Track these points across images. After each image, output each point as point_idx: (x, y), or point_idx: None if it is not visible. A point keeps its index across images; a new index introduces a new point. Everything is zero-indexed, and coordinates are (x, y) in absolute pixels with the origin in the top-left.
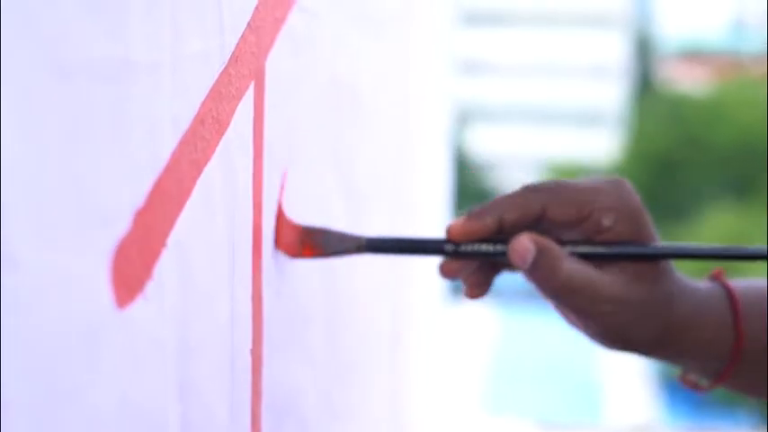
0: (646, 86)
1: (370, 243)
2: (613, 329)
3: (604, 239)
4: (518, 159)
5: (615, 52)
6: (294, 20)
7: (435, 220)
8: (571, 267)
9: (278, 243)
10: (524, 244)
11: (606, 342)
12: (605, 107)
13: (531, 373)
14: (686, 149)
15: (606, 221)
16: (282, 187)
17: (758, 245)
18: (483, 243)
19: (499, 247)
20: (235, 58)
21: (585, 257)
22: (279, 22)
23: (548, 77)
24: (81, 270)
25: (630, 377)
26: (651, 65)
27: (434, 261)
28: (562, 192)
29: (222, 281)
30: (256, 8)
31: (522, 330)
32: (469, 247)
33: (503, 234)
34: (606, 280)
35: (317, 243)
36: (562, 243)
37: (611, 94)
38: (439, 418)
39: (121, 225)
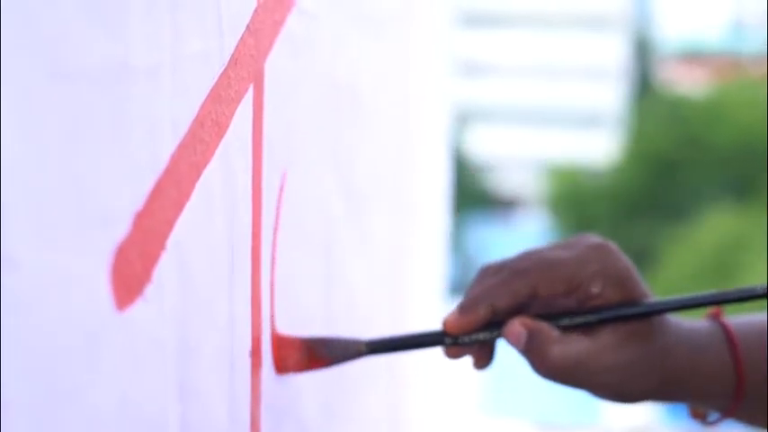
0: (645, 88)
1: (371, 346)
2: (611, 391)
3: (595, 305)
4: (518, 161)
5: (615, 53)
6: (293, 22)
7: (435, 221)
8: (561, 349)
9: (282, 365)
10: (516, 330)
11: (612, 400)
12: (605, 108)
13: (529, 375)
14: (686, 150)
15: (595, 289)
16: (282, 189)
17: (750, 285)
18: (479, 332)
19: (495, 333)
20: (234, 61)
21: (578, 327)
22: (278, 24)
23: (547, 79)
24: (81, 271)
25: None
26: (650, 66)
27: (433, 263)
28: (549, 271)
29: (221, 283)
30: (255, 11)
31: None
32: (467, 338)
33: (496, 319)
34: (597, 350)
35: (320, 354)
36: (552, 317)
37: (610, 96)
38: (438, 419)
39: (121, 227)
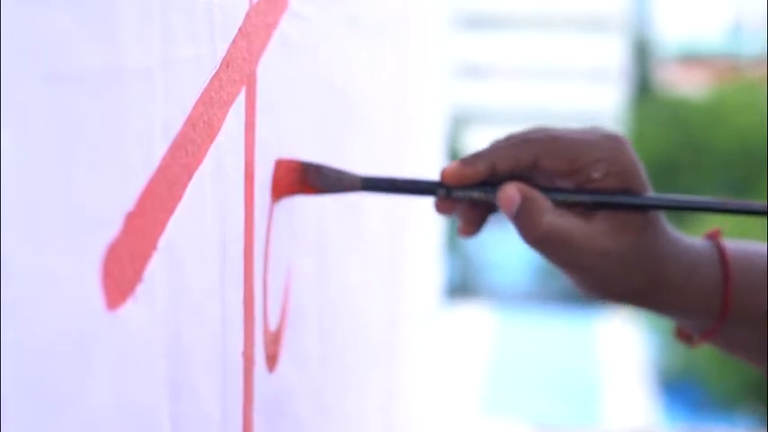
0: (644, 90)
1: (366, 182)
2: (595, 280)
3: (594, 190)
4: None
5: (614, 56)
6: (286, 25)
7: (431, 222)
8: (553, 219)
9: (276, 185)
10: (510, 193)
11: (590, 290)
12: (604, 110)
13: (528, 376)
14: (685, 153)
15: (596, 173)
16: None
17: (756, 201)
18: (474, 189)
19: (489, 194)
20: (226, 64)
21: (571, 205)
22: (270, 27)
23: (547, 81)
24: (72, 272)
25: (629, 380)
26: (650, 68)
27: (429, 264)
28: (555, 144)
29: (213, 284)
30: (247, 14)
31: (520, 332)
32: (461, 193)
33: (494, 180)
34: (588, 232)
35: (314, 181)
36: (550, 190)
37: (609, 98)
38: (435, 419)
39: (112, 228)
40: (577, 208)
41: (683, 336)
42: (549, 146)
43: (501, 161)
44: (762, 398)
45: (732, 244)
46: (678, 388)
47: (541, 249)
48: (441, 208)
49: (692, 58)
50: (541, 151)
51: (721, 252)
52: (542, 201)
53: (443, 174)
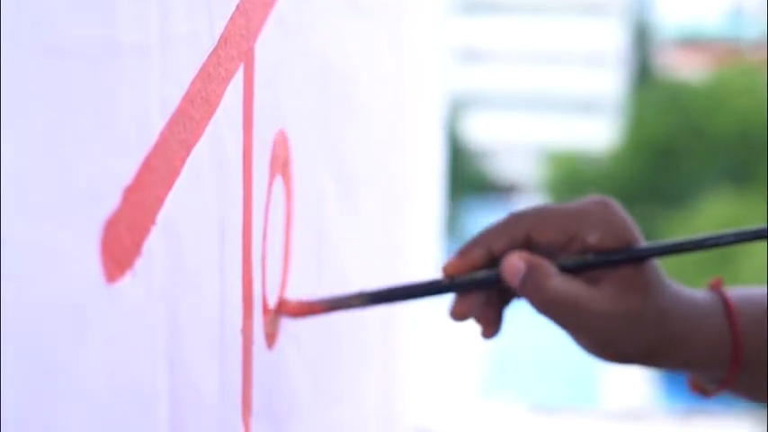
0: (644, 74)
1: (373, 296)
2: (602, 342)
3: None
4: (517, 147)
5: (613, 40)
6: (284, 3)
7: (429, 206)
8: (559, 283)
9: (286, 310)
10: (514, 262)
11: (598, 354)
12: (604, 95)
13: (528, 359)
14: (685, 137)
15: (591, 239)
16: (272, 167)
17: (742, 228)
18: (477, 273)
19: (492, 272)
20: (224, 40)
21: (577, 270)
22: (268, 5)
23: (546, 65)
24: (71, 245)
25: None
26: (649, 52)
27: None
28: (546, 216)
29: (212, 259)
30: None
31: (519, 315)
32: (464, 278)
33: (495, 262)
34: (594, 295)
35: (324, 303)
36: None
37: (609, 82)
38: (435, 402)
39: (111, 202)
40: (582, 276)
41: (697, 388)
42: (541, 219)
43: (495, 243)
44: None
45: (734, 291)
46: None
47: (549, 314)
48: (456, 312)
49: (691, 42)
50: (533, 225)
51: (725, 301)
52: (547, 266)
53: (444, 269)
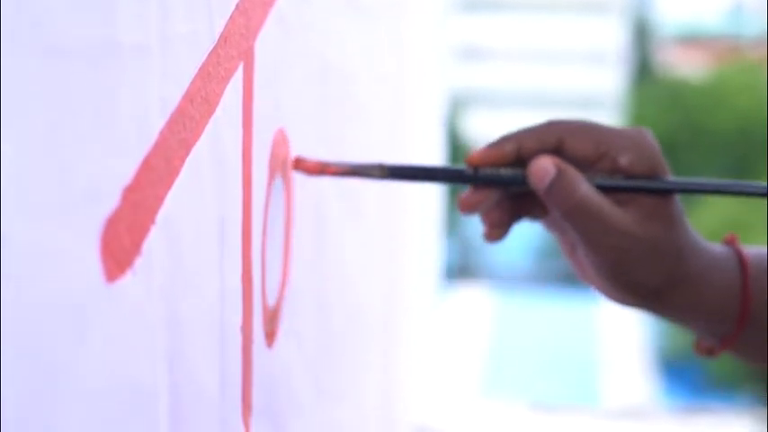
0: (644, 71)
1: (393, 170)
2: (618, 267)
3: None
4: None
5: (613, 37)
6: (284, 2)
7: (429, 204)
8: (587, 190)
9: (302, 167)
10: (544, 164)
11: (610, 283)
12: (604, 92)
13: (528, 357)
14: (685, 134)
15: (623, 161)
16: (271, 166)
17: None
18: (502, 169)
19: (518, 171)
20: (223, 39)
21: (602, 190)
22: (268, 5)
23: (547, 63)
24: (70, 245)
25: (629, 361)
26: (649, 50)
27: (428, 246)
28: (582, 128)
29: (212, 259)
30: None
31: (519, 314)
32: (489, 172)
33: (521, 163)
34: (620, 213)
35: (340, 166)
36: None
37: (609, 79)
38: (433, 399)
39: (110, 202)
40: (609, 196)
41: (703, 349)
42: (575, 128)
43: (527, 142)
44: (762, 379)
45: (749, 248)
46: (678, 369)
47: (574, 220)
48: (465, 202)
49: (691, 40)
50: (567, 133)
51: (739, 254)
52: (577, 173)
53: (470, 158)
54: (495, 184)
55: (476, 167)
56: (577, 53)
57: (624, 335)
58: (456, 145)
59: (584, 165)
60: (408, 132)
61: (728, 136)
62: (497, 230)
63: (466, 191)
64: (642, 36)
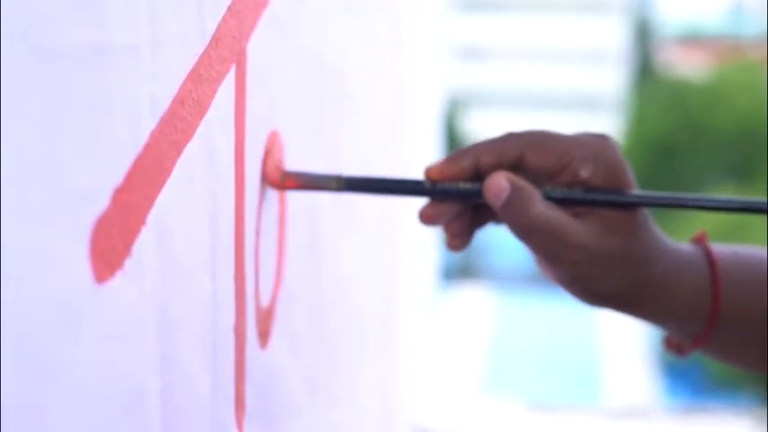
0: (645, 71)
1: (350, 182)
2: (580, 279)
3: (582, 189)
4: None
5: (614, 37)
6: (278, 3)
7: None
8: (543, 209)
9: (263, 172)
10: (499, 181)
11: (575, 292)
12: (605, 92)
13: (529, 357)
14: (686, 134)
15: (584, 173)
16: (265, 167)
17: (744, 197)
18: (460, 183)
19: (476, 185)
20: (215, 42)
21: (561, 203)
22: (261, 6)
23: (547, 62)
24: (60, 245)
25: (630, 360)
26: (650, 49)
27: (424, 247)
28: (542, 140)
29: (204, 260)
30: None
31: (520, 314)
32: (446, 185)
33: (480, 177)
34: (578, 227)
35: (298, 178)
36: (540, 188)
37: (610, 79)
38: (433, 399)
39: (100, 203)
40: (566, 209)
41: (672, 345)
42: (535, 141)
43: (485, 156)
44: (762, 379)
45: (719, 246)
46: (679, 369)
47: (530, 240)
48: (426, 215)
49: (692, 39)
50: (527, 146)
51: (708, 254)
52: (532, 190)
53: (427, 171)
54: (453, 198)
55: (434, 182)
56: (578, 53)
57: (625, 335)
58: (457, 145)
59: (544, 177)
60: (406, 132)
61: (729, 135)
62: (459, 240)
63: (425, 203)
64: (643, 36)
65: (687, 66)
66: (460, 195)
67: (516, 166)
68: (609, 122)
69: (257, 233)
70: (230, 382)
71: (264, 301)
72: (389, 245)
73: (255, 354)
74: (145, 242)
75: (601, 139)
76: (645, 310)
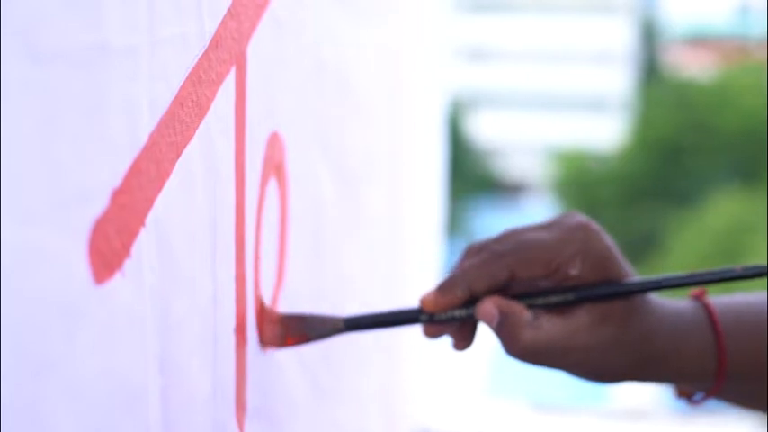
0: (651, 72)
1: (349, 322)
2: (587, 370)
3: (574, 286)
4: (524, 145)
5: (621, 38)
6: (277, 5)
7: (430, 204)
8: (532, 333)
9: (261, 339)
10: (488, 309)
11: (580, 377)
12: (611, 93)
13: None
14: (692, 135)
15: (573, 271)
16: (265, 169)
17: (728, 266)
18: (455, 309)
19: (470, 311)
20: (215, 44)
21: (557, 306)
22: (260, 8)
23: (554, 63)
24: (59, 246)
25: None
26: (657, 50)
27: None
28: (527, 253)
29: (204, 261)
30: None
31: None
32: (443, 316)
33: (474, 301)
34: (569, 331)
35: (298, 330)
36: (530, 297)
37: (616, 80)
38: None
39: (99, 204)
40: (558, 307)
41: (684, 395)
42: (522, 256)
43: (477, 282)
44: None
45: (718, 300)
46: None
47: (526, 361)
48: (429, 332)
49: (699, 40)
50: (514, 263)
51: (709, 312)
52: (520, 314)
53: (423, 303)
54: (450, 323)
55: (431, 314)
56: (584, 54)
57: None
58: (463, 146)
59: (538, 281)
60: (409, 132)
61: (736, 136)
62: (464, 342)
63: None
64: (649, 37)
65: (693, 67)
66: (457, 321)
67: (508, 283)
68: (615, 123)
69: (258, 233)
70: (231, 382)
71: (265, 302)
72: (393, 244)
73: (256, 354)
74: (144, 243)
75: (583, 230)
76: (653, 379)
